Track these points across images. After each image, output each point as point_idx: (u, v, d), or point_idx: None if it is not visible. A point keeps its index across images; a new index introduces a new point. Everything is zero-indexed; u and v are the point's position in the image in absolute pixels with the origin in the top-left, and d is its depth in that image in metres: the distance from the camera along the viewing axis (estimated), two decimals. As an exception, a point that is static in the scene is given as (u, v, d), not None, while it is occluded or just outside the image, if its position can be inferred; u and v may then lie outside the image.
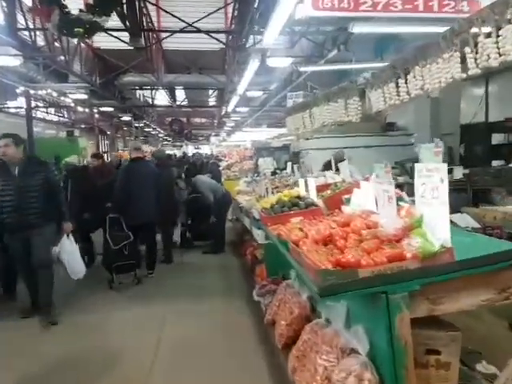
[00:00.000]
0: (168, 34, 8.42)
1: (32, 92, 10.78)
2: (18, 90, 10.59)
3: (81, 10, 4.25)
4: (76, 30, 4.24)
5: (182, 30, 7.43)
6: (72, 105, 14.71)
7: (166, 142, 39.48)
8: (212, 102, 18.45)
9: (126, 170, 5.80)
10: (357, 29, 5.21)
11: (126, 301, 5.00)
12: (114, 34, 7.61)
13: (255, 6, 6.48)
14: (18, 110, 15.95)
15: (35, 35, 7.44)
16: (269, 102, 13.23)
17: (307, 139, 9.15)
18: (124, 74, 12.61)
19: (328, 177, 4.40)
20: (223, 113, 17.89)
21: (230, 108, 11.26)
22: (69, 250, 4.37)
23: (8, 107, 15.90)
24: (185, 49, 11.96)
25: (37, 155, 5.81)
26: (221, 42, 8.53)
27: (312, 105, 6.00)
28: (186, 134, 25.34)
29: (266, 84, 12.91)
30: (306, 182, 3.82)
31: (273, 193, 5.60)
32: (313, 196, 3.52)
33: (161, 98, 19.52)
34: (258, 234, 4.26)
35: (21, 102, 15.53)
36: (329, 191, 3.67)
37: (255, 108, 16.48)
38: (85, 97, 13.55)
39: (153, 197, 5.54)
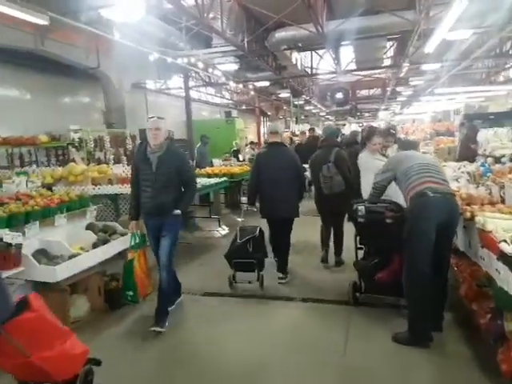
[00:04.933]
0: None
1: (169, 60, 8.73)
2: (152, 60, 8.47)
3: None
4: None
5: None
6: (223, 79, 12.55)
7: (327, 122, 36.18)
8: (387, 61, 14.09)
9: (258, 157, 4.66)
10: None
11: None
12: None
13: None
14: (179, 91, 15.03)
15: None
16: (483, 44, 8.41)
17: None
18: (276, 29, 9.68)
19: None
20: (402, 74, 13.39)
21: (428, 49, 7.05)
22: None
23: (168, 88, 15.09)
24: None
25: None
26: None
27: None
28: (351, 108, 21.37)
29: (478, 18, 8.21)
30: None
31: None
32: None
33: (322, 66, 16.16)
34: None
35: (179, 82, 14.52)
36: None
37: (451, 63, 11.57)
38: (234, 67, 11.23)
39: (290, 188, 4.37)
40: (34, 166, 5.80)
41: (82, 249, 3.58)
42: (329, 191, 4.56)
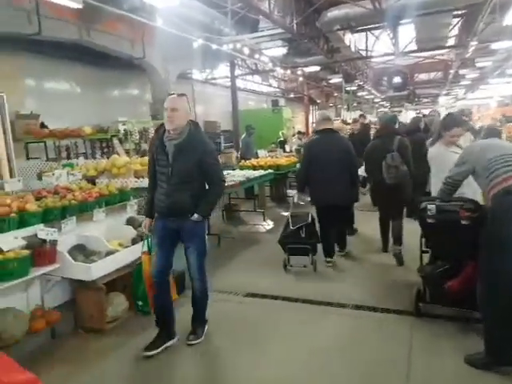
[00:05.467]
0: None
1: (214, 47, 8.52)
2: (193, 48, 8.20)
3: None
4: None
5: None
6: (270, 65, 12.17)
7: (381, 109, 34.61)
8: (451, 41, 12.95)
9: (310, 144, 4.72)
10: None
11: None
12: None
13: None
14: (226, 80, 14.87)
15: None
16: None
17: None
18: (328, 8, 9.15)
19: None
20: (468, 54, 12.25)
21: (507, 21, 6.22)
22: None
23: (214, 78, 14.99)
24: None
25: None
26: None
27: None
28: (408, 94, 20.10)
29: None
30: None
31: None
32: None
33: (377, 48, 15.24)
34: None
35: (225, 71, 14.35)
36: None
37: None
38: (282, 51, 10.85)
39: (343, 176, 4.38)
40: (82, 158, 5.87)
41: (120, 244, 3.47)
42: (394, 181, 4.29)
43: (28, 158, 6.75)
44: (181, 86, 12.08)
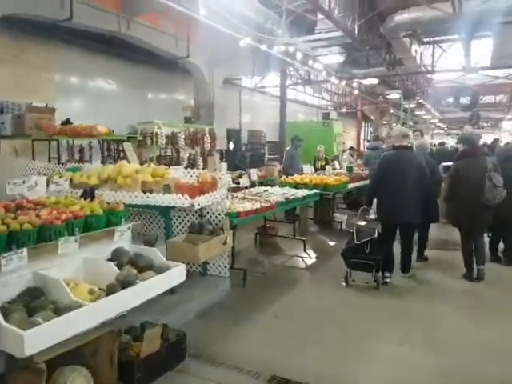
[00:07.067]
0: None
1: (264, 48, 7.36)
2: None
3: None
4: None
5: None
6: (324, 74, 10.83)
7: (437, 131, 32.10)
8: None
9: (384, 159, 4.46)
10: None
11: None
12: None
13: None
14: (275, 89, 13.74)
15: None
16: None
17: None
18: (396, 11, 7.79)
19: None
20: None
21: None
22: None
23: (263, 86, 13.92)
24: None
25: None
26: None
27: None
28: (471, 116, 17.97)
29: None
30: None
31: None
32: None
33: (441, 64, 13.47)
34: None
35: (275, 80, 13.23)
36: None
37: None
38: (339, 59, 9.53)
39: (415, 194, 4.26)
40: (98, 162, 4.92)
41: (91, 292, 2.34)
42: (496, 202, 4.19)
43: (50, 159, 5.95)
44: (227, 92, 11.14)
